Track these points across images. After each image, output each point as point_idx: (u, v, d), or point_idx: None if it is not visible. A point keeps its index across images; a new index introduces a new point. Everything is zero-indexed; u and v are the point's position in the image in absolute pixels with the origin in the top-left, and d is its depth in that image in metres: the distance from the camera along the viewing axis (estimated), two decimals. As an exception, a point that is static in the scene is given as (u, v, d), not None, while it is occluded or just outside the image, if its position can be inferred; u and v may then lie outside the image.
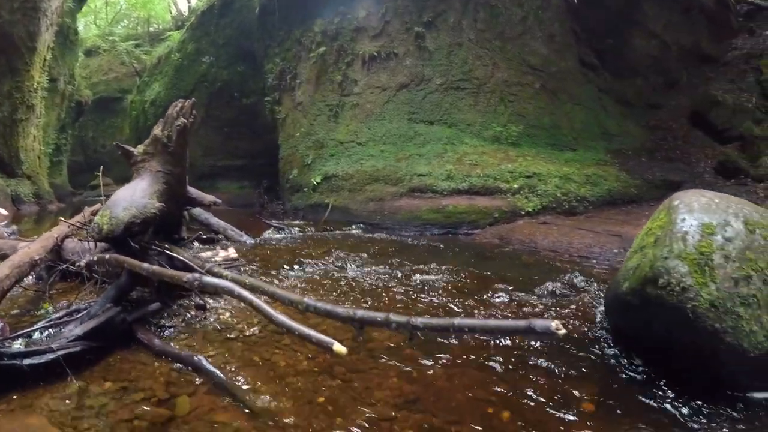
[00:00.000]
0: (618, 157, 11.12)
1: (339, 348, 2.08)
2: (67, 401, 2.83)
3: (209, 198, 5.94)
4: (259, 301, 2.68)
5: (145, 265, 3.68)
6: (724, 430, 2.66)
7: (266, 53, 13.14)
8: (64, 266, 4.48)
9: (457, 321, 1.98)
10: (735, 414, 2.82)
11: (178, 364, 3.27)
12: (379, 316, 2.21)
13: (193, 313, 4.22)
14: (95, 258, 4.31)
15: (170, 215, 4.88)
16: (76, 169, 24.28)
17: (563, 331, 1.82)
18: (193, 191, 5.67)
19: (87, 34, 27.73)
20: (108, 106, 27.08)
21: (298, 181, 10.85)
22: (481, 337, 3.49)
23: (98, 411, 2.75)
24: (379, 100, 10.50)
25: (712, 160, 10.96)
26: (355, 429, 2.49)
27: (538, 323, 1.85)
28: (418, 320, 2.09)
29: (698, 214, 3.52)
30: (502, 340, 3.47)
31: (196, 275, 3.20)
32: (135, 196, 4.23)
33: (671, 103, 12.99)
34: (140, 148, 4.74)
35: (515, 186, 8.60)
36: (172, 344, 3.56)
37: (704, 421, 2.74)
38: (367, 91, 10.67)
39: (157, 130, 4.65)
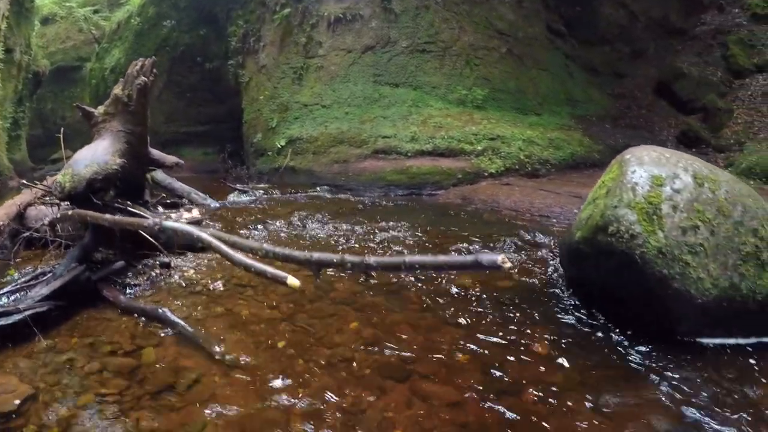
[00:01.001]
0: (582, 122, 11.33)
1: (293, 281, 2.15)
2: (35, 359, 2.85)
3: (171, 159, 5.88)
4: (218, 242, 2.72)
5: (107, 215, 3.69)
6: (673, 373, 2.80)
7: (229, 16, 12.79)
8: (29, 233, 4.44)
9: (408, 258, 2.07)
10: (684, 358, 2.96)
11: (144, 319, 3.31)
12: (335, 257, 2.28)
13: (157, 271, 4.24)
14: (59, 215, 4.29)
15: (133, 176, 4.84)
16: (36, 143, 23.28)
17: (508, 264, 1.92)
18: (155, 152, 5.61)
19: (43, 1, 26.35)
20: (66, 75, 25.93)
21: (262, 145, 10.74)
22: (441, 287, 3.62)
23: (67, 366, 2.79)
24: (344, 63, 10.39)
25: (675, 129, 11.27)
26: (315, 369, 2.58)
27: (485, 257, 1.94)
28: (372, 259, 2.16)
29: (648, 167, 3.65)
30: (461, 290, 3.61)
31: (157, 219, 3.23)
32: (96, 154, 4.21)
33: (637, 72, 13.22)
34: (101, 108, 4.70)
35: (479, 148, 8.71)
36: (137, 301, 3.59)
37: (653, 364, 2.88)
38: (332, 53, 10.54)
39: (117, 90, 4.60)
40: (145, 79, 4.55)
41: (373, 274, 2.30)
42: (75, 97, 25.92)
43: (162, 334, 3.12)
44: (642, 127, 11.66)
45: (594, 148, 10.05)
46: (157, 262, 4.38)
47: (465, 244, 4.73)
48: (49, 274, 3.74)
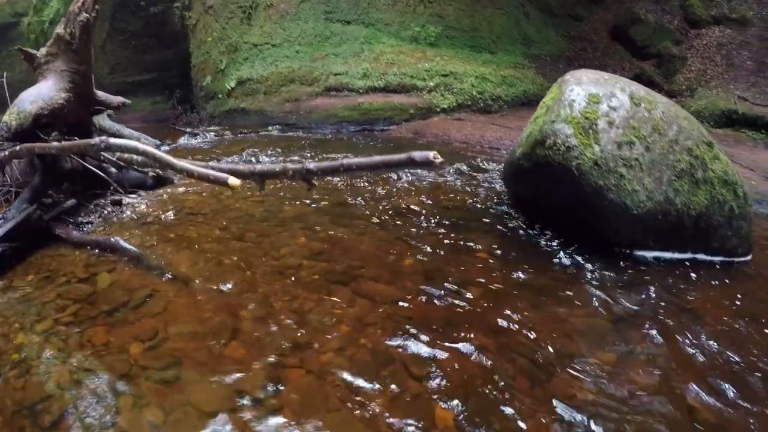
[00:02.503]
0: (536, 62, 11.40)
1: (233, 181, 2.22)
2: (-8, 298, 2.85)
3: (117, 99, 5.74)
4: (161, 153, 2.75)
5: (54, 143, 3.64)
6: (608, 279, 3.00)
7: (172, -46, 12.12)
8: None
9: (345, 161, 2.16)
10: (620, 268, 3.15)
11: (97, 250, 3.33)
12: (277, 167, 2.35)
13: (109, 209, 4.23)
14: (7, 153, 4.21)
15: (78, 117, 4.75)
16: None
17: (440, 160, 2.03)
18: (100, 93, 5.47)
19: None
20: (2, 34, 24.22)
21: (212, 88, 10.47)
22: (388, 206, 3.74)
23: (23, 299, 2.82)
24: (294, 0, 10.10)
25: (629, 72, 11.42)
26: (263, 278, 2.69)
27: (417, 154, 2.04)
28: (311, 165, 2.24)
29: (586, 86, 3.78)
30: (408, 209, 3.74)
31: (103, 138, 3.22)
32: (41, 92, 4.19)
33: (594, 16, 13.24)
34: (43, 50, 4.58)
35: (431, 84, 8.74)
36: (90, 235, 3.60)
37: (590, 271, 3.07)
38: (281, -10, 10.21)
39: (59, 29, 4.47)
40: (87, 15, 4.42)
41: (315, 182, 2.39)
42: (14, 56, 24.34)
43: (115, 260, 3.16)
44: (596, 69, 11.80)
45: (546, 86, 10.13)
46: (108, 201, 4.37)
47: (417, 171, 4.83)
48: (0, 219, 3.72)
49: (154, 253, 3.16)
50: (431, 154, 2.00)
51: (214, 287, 2.67)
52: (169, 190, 4.58)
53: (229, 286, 2.66)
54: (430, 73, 8.91)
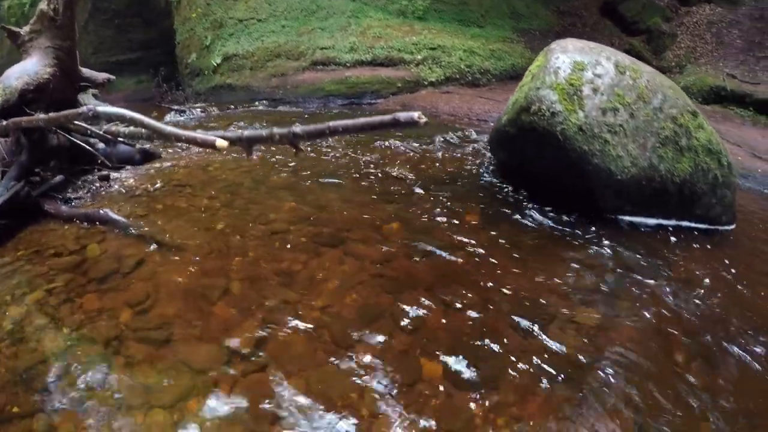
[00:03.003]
0: (525, 36, 11.33)
1: (221, 142, 2.23)
2: (-18, 274, 2.85)
3: (102, 75, 5.68)
4: (149, 119, 2.74)
5: (41, 115, 3.62)
6: (593, 242, 3.06)
7: (152, -73, 11.85)
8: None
9: (331, 124, 2.17)
10: (605, 232, 3.21)
11: (87, 223, 3.34)
12: (264, 131, 2.35)
13: (97, 184, 4.23)
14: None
15: (64, 94, 4.71)
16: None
17: (425, 119, 2.04)
18: (85, 70, 5.42)
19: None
20: None
21: (197, 65, 10.34)
22: (376, 174, 3.77)
23: (14, 272, 2.81)
24: (279, -26, 9.96)
25: (618, 48, 11.35)
26: (252, 243, 2.72)
27: (402, 115, 2.05)
28: (298, 128, 2.25)
29: (571, 54, 3.80)
30: (395, 177, 3.77)
31: (90, 106, 3.20)
32: (26, 68, 4.14)
33: None
34: (27, 27, 4.53)
35: (419, 57, 8.68)
36: (79, 209, 3.60)
37: (576, 235, 3.14)
38: (267, -36, 10.05)
39: (42, 5, 4.40)
40: (70, -10, 4.36)
41: (302, 146, 2.40)
42: (-4, 39, 23.87)
43: (105, 231, 3.17)
44: (584, 41, 11.77)
45: (535, 60, 10.14)
46: (96, 176, 4.36)
47: (404, 141, 4.85)
48: (-12, 199, 3.71)
49: (143, 223, 3.18)
50: (416, 114, 2.02)
51: (204, 253, 2.70)
52: (156, 165, 4.56)
53: (219, 251, 2.69)
54: (418, 47, 8.86)
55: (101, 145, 4.48)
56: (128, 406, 1.85)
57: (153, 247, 2.82)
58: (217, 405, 1.81)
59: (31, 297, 2.58)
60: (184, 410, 1.80)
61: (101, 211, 3.34)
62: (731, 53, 9.79)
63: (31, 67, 4.14)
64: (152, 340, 2.12)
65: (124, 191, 3.92)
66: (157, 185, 3.86)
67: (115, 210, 3.39)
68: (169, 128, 2.62)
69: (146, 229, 3.05)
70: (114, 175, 4.38)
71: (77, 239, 3.13)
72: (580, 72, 3.69)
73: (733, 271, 2.95)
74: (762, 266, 3.13)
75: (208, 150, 4.76)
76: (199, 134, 2.41)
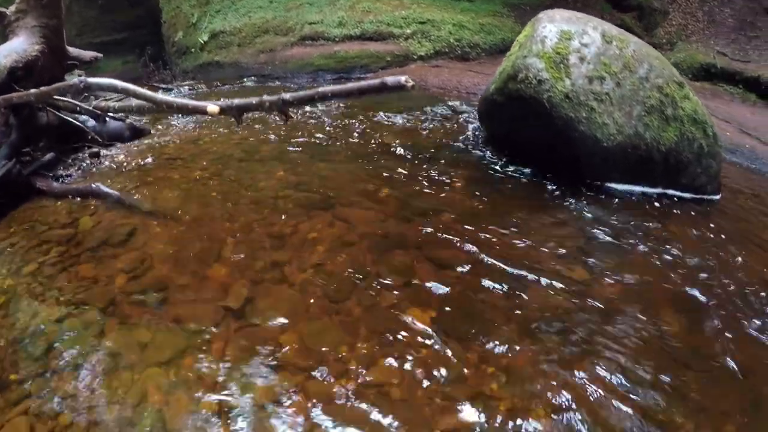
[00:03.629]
0: (515, 11, 11.25)
1: (212, 108, 2.27)
2: (-24, 250, 2.87)
3: (89, 54, 5.66)
4: (140, 88, 2.77)
5: (32, 90, 3.63)
6: (579, 208, 3.13)
7: None
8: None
9: (320, 89, 2.22)
10: (591, 198, 3.28)
11: (79, 198, 3.36)
12: (253, 99, 2.39)
13: (88, 162, 4.23)
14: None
15: (53, 74, 4.69)
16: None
17: (412, 83, 2.08)
18: (72, 49, 5.39)
19: None
20: None
21: (184, 42, 10.23)
22: (365, 144, 3.80)
23: (8, 248, 2.85)
24: (266, -52, 9.82)
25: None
26: (243, 209, 2.77)
27: (390, 79, 2.10)
28: (287, 95, 2.29)
29: (558, 24, 3.82)
30: (384, 146, 3.81)
31: (82, 78, 3.23)
32: (14, 47, 4.13)
33: None
34: (12, 7, 4.52)
35: (408, 31, 8.65)
36: (70, 185, 3.62)
37: (562, 201, 3.20)
38: (253, -62, 9.90)
39: None
40: (55, -33, 4.33)
41: (292, 114, 2.43)
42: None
43: (97, 206, 3.19)
44: (575, 19, 11.72)
45: (525, 34, 10.09)
46: (87, 154, 4.37)
47: (393, 113, 4.87)
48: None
49: (135, 195, 3.21)
50: (403, 78, 2.06)
51: (196, 220, 2.75)
52: (146, 141, 4.56)
53: (211, 217, 2.74)
54: (407, 21, 8.82)
55: (91, 123, 4.48)
56: (124, 365, 1.91)
57: (146, 216, 2.86)
58: (212, 361, 1.86)
59: (26, 269, 2.62)
60: (180, 367, 1.86)
61: (93, 186, 3.36)
62: (722, 32, 9.77)
63: (19, 46, 4.14)
64: (147, 303, 2.17)
65: (114, 167, 3.93)
66: (148, 160, 3.87)
67: (106, 184, 3.42)
68: (161, 96, 2.67)
69: (138, 200, 3.08)
70: (104, 152, 4.39)
71: (70, 213, 3.16)
72: (567, 41, 3.71)
73: (720, 235, 3.03)
74: (747, 232, 3.21)
75: (198, 119, 4.78)
76: (190, 101, 2.45)
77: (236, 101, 2.45)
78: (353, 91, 2.19)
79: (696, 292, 2.43)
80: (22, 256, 2.75)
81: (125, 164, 3.92)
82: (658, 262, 2.65)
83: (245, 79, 8.48)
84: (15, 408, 1.83)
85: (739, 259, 2.79)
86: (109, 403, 1.79)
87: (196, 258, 2.40)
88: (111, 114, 4.43)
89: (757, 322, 2.29)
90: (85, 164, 4.16)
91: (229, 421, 1.64)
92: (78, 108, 4.15)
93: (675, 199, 3.54)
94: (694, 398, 1.84)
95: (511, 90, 3.61)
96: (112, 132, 4.66)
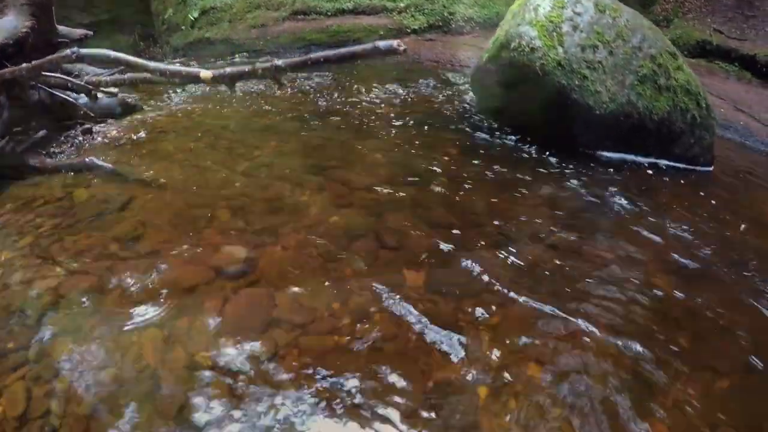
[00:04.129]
0: (509, -15, 11.18)
1: (205, 74, 2.28)
2: (-30, 230, 2.88)
3: (78, 31, 5.58)
4: (133, 57, 2.77)
5: (24, 65, 3.61)
6: (572, 174, 3.16)
7: None
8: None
9: (312, 55, 2.23)
10: (583, 165, 3.31)
11: (72, 173, 3.36)
12: (246, 67, 2.39)
13: (81, 138, 4.22)
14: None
15: (43, 53, 4.63)
16: None
17: (404, 47, 2.09)
18: (61, 28, 5.34)
19: None
20: None
21: (174, 20, 10.11)
22: (358, 115, 3.80)
23: (3, 224, 2.83)
24: None
25: None
26: (237, 176, 2.79)
27: (382, 43, 2.10)
28: (280, 61, 2.29)
29: (552, -7, 3.81)
30: (379, 116, 3.81)
31: (74, 49, 3.20)
32: (3, 25, 4.09)
33: None
34: None
35: (401, 5, 8.57)
36: (64, 160, 3.61)
37: (555, 167, 3.23)
38: None
39: None
40: (42, -58, 4.27)
41: (284, 81, 2.43)
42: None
43: (91, 179, 3.19)
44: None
45: (519, 8, 10.00)
46: (79, 131, 4.35)
47: (387, 85, 4.86)
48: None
49: (129, 167, 3.21)
50: (395, 42, 2.06)
51: (191, 187, 2.76)
52: (138, 116, 4.54)
53: (206, 185, 2.76)
54: (400, -6, 8.74)
55: (83, 99, 4.46)
56: (120, 327, 1.93)
57: (140, 187, 2.87)
58: (208, 321, 1.89)
59: (21, 242, 2.61)
60: (175, 328, 1.88)
61: (87, 159, 3.35)
62: (720, 10, 9.71)
63: (8, 24, 4.11)
64: (142, 267, 2.19)
65: (107, 141, 3.93)
66: (141, 134, 3.87)
67: (100, 158, 3.41)
68: (153, 64, 2.67)
69: (132, 172, 3.09)
70: (97, 128, 4.38)
71: (64, 187, 3.15)
72: (560, 9, 3.71)
73: (711, 204, 3.07)
74: (737, 202, 3.27)
75: (190, 94, 4.77)
76: (183, 68, 2.44)
77: (228, 70, 2.46)
78: (345, 56, 2.19)
79: (688, 259, 2.47)
80: (18, 230, 2.75)
81: (118, 139, 3.92)
82: (650, 228, 2.69)
83: (237, 56, 8.42)
84: (13, 374, 1.85)
85: (730, 227, 2.83)
86: (105, 365, 1.81)
87: (191, 223, 2.42)
88: (103, 88, 4.41)
89: (747, 286, 2.34)
90: (78, 140, 4.15)
91: (224, 377, 1.67)
92: (69, 84, 4.13)
93: (668, 168, 3.57)
94: (686, 356, 1.88)
95: (504, 58, 3.62)
96: (104, 108, 4.63)
